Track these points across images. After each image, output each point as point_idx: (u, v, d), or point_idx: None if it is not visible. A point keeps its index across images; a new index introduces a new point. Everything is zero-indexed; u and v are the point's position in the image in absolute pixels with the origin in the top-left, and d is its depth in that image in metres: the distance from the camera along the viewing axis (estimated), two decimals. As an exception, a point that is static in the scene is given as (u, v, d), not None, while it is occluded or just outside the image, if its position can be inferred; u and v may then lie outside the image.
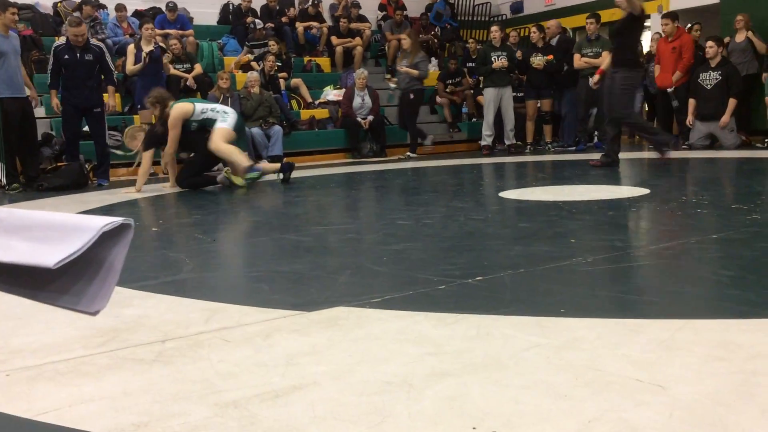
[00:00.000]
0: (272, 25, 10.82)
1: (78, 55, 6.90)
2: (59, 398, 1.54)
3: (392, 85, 10.19)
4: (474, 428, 1.29)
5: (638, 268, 2.65)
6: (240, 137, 6.41)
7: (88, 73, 6.96)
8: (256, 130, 8.59)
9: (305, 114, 9.73)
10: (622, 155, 6.71)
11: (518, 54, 9.46)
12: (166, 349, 1.84)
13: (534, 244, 3.08)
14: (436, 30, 12.57)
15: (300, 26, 11.36)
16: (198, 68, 8.99)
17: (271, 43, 9.98)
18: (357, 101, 9.43)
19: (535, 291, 2.29)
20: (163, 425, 1.37)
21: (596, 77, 7.21)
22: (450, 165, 7.89)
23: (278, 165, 6.69)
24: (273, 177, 6.71)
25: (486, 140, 9.33)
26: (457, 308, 2.07)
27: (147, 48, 7.85)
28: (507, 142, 9.40)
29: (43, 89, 7.49)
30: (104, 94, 7.35)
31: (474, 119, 10.44)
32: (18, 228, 0.71)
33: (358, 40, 11.31)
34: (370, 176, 6.92)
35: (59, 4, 10.06)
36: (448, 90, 10.60)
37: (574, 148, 9.27)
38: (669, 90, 8.77)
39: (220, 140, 6.05)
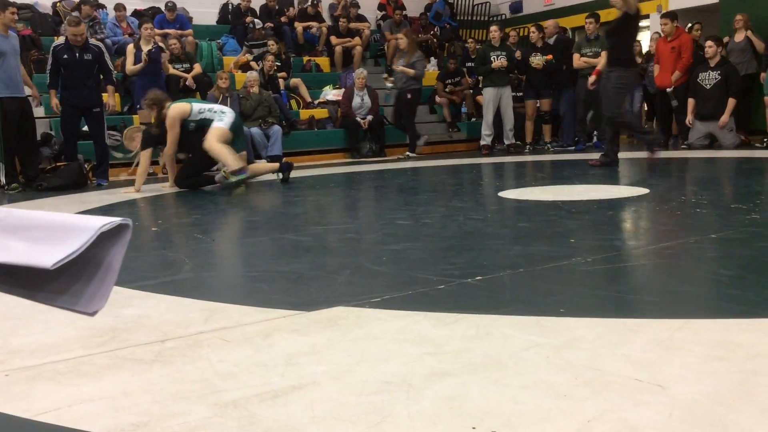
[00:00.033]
0: (271, 25, 10.82)
1: (77, 54, 6.89)
2: (59, 398, 1.53)
3: (389, 85, 10.19)
4: (473, 428, 1.29)
5: (637, 267, 2.65)
6: (238, 137, 6.39)
7: (87, 73, 6.96)
8: (255, 130, 8.59)
9: (304, 114, 9.73)
10: (621, 155, 6.71)
11: (517, 54, 9.46)
12: (165, 349, 1.83)
13: (533, 244, 3.08)
14: (436, 30, 12.57)
15: (299, 26, 11.36)
16: (197, 68, 8.99)
17: (271, 42, 9.98)
18: (356, 101, 9.42)
19: (534, 291, 2.29)
20: (163, 425, 1.37)
21: (592, 78, 7.22)
22: (449, 165, 7.89)
23: (277, 164, 6.69)
24: (272, 177, 6.71)
25: (485, 140, 9.33)
26: (457, 308, 2.07)
27: (146, 48, 7.84)
28: (506, 142, 9.40)
29: (42, 89, 7.49)
30: (103, 94, 7.34)
31: (473, 119, 10.44)
32: (16, 228, 0.71)
33: (357, 39, 11.31)
34: (370, 176, 6.92)
35: (58, 4, 10.05)
36: (447, 90, 10.60)
37: (573, 147, 9.27)
38: (668, 90, 8.77)
39: (214, 139, 6.03)
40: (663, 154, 7.24)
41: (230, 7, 11.50)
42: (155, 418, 1.41)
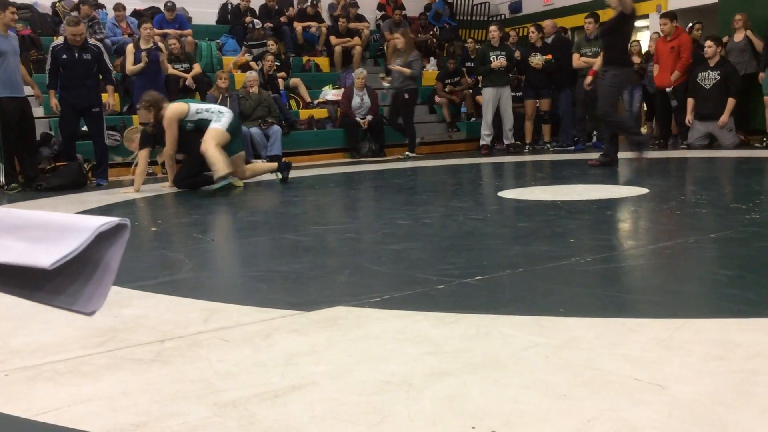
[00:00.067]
0: (271, 25, 10.82)
1: (76, 54, 6.89)
2: (58, 398, 1.53)
3: (386, 85, 10.19)
4: (473, 428, 1.29)
5: (637, 267, 2.65)
6: (236, 138, 6.38)
7: (86, 73, 6.96)
8: (254, 130, 8.59)
9: (304, 114, 9.73)
10: (620, 155, 6.71)
11: (517, 54, 9.46)
12: (164, 349, 1.83)
13: (533, 244, 3.08)
14: (435, 29, 12.57)
15: (298, 26, 11.36)
16: (197, 68, 8.99)
17: (270, 42, 9.98)
18: (356, 101, 9.42)
19: (534, 290, 2.29)
20: (162, 425, 1.37)
21: (589, 78, 7.23)
22: (449, 165, 7.89)
23: (276, 164, 6.68)
24: (272, 177, 6.71)
25: (485, 140, 9.33)
26: (456, 308, 2.07)
27: (146, 48, 7.84)
28: (506, 142, 9.40)
29: (41, 89, 7.49)
30: (103, 94, 7.34)
31: (473, 119, 10.44)
32: (14, 228, 0.71)
33: (356, 39, 11.31)
34: (369, 176, 6.92)
35: (57, 4, 10.05)
36: (446, 90, 10.60)
37: (572, 147, 9.27)
38: (668, 90, 8.78)
39: (210, 141, 5.97)
40: (663, 154, 7.24)
41: (230, 7, 11.50)
42: (154, 418, 1.41)
